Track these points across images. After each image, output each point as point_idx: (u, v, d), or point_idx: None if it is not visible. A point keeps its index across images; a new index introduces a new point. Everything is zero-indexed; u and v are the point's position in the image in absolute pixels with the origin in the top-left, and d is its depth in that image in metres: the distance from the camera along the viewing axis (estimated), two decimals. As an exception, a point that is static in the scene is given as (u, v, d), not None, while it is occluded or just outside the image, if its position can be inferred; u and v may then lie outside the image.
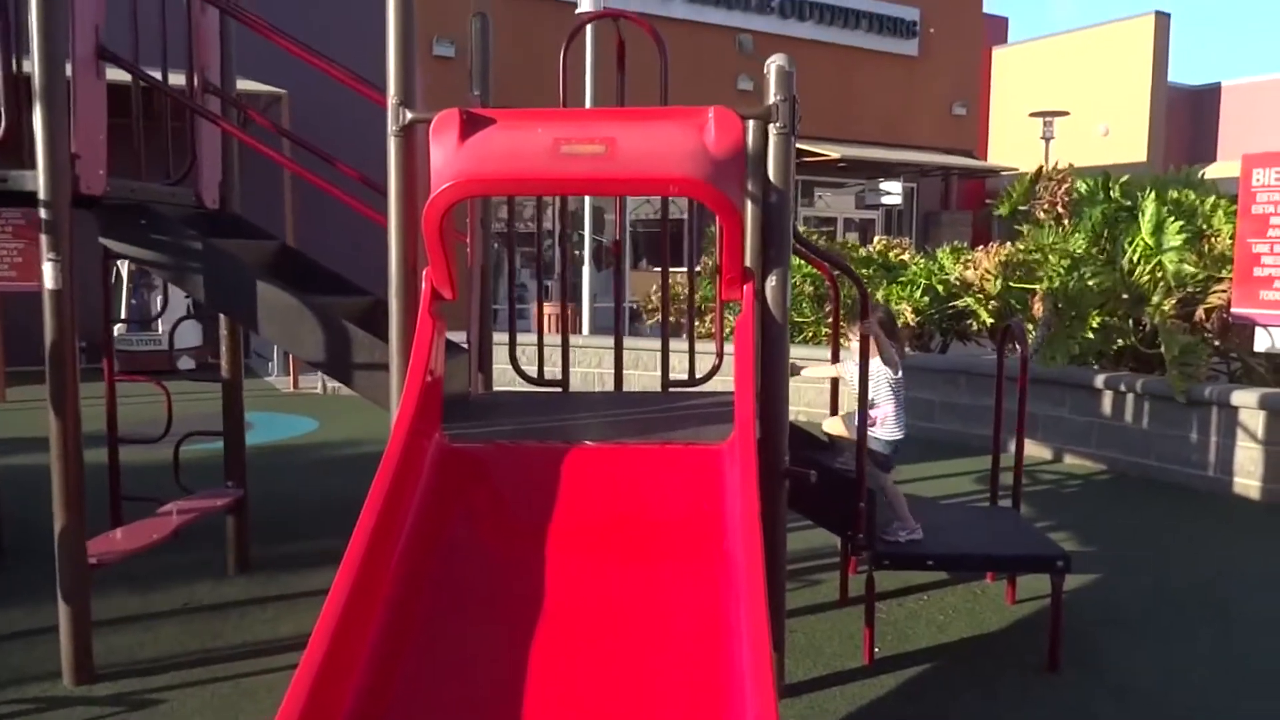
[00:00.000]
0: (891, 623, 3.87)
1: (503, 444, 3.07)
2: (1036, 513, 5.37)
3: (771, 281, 3.02)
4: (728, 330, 5.90)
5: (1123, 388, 6.55)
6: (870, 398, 3.58)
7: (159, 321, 10.78)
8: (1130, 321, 7.14)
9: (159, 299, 11.25)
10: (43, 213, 3.17)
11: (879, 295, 8.40)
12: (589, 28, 9.72)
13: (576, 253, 14.10)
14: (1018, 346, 4.03)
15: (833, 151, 15.59)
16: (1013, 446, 4.05)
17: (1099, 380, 6.68)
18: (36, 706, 3.13)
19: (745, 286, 2.97)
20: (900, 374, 3.66)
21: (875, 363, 3.60)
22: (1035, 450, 6.95)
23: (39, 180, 3.16)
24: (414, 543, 2.65)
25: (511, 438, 3.14)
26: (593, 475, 2.87)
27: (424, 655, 2.43)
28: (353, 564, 2.32)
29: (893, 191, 18.32)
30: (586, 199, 10.88)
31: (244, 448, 4.50)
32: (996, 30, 25.02)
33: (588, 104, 10.10)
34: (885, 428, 3.65)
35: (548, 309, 10.57)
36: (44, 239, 3.19)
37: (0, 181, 3.26)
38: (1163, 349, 6.39)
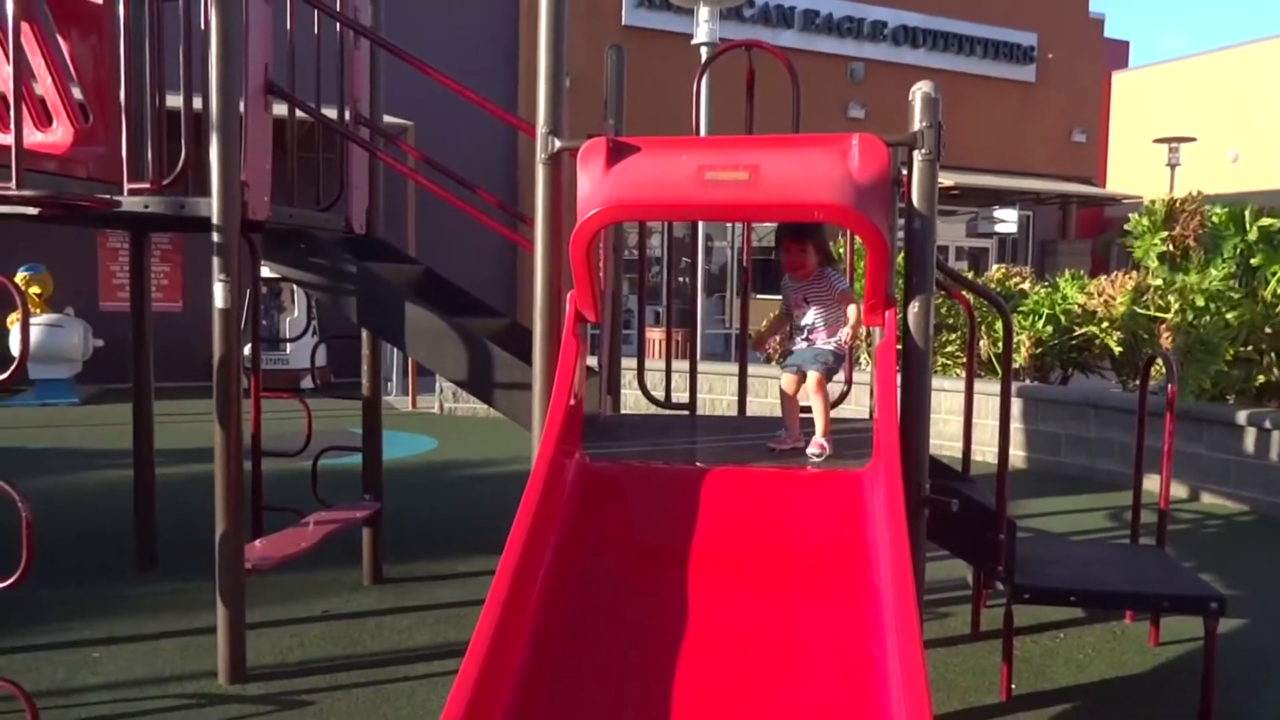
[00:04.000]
0: (1027, 659, 3.76)
1: (642, 464, 3.12)
2: (1175, 553, 5.13)
3: (914, 308, 3.00)
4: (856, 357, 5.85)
5: (1267, 424, 6.23)
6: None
7: (288, 343, 11.31)
8: (1275, 355, 6.79)
9: (288, 321, 11.80)
10: (215, 236, 3.38)
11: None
12: (704, 59, 9.85)
13: (683, 279, 14.24)
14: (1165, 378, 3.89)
15: (946, 179, 15.32)
16: (1147, 483, 3.90)
17: (1240, 416, 6.37)
18: (197, 702, 3.30)
19: (888, 313, 2.97)
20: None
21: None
22: (1171, 488, 6.64)
23: (213, 206, 3.38)
24: (557, 560, 2.70)
25: (646, 458, 3.19)
26: (730, 498, 2.89)
27: (564, 675, 2.44)
28: (505, 576, 2.37)
29: (1007, 219, 17.87)
30: (700, 229, 10.95)
31: (381, 462, 4.68)
32: (1117, 55, 24.28)
33: (703, 133, 10.21)
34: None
35: (655, 334, 10.66)
36: (215, 261, 3.40)
37: (179, 208, 3.50)
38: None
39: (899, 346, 2.97)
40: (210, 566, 3.48)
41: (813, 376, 3.02)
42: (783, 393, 3.14)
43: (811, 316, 3.08)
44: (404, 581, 4.57)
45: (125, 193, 3.55)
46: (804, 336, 3.08)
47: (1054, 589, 3.42)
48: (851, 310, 3.07)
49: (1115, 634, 4.06)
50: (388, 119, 10.83)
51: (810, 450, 3.01)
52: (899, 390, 2.95)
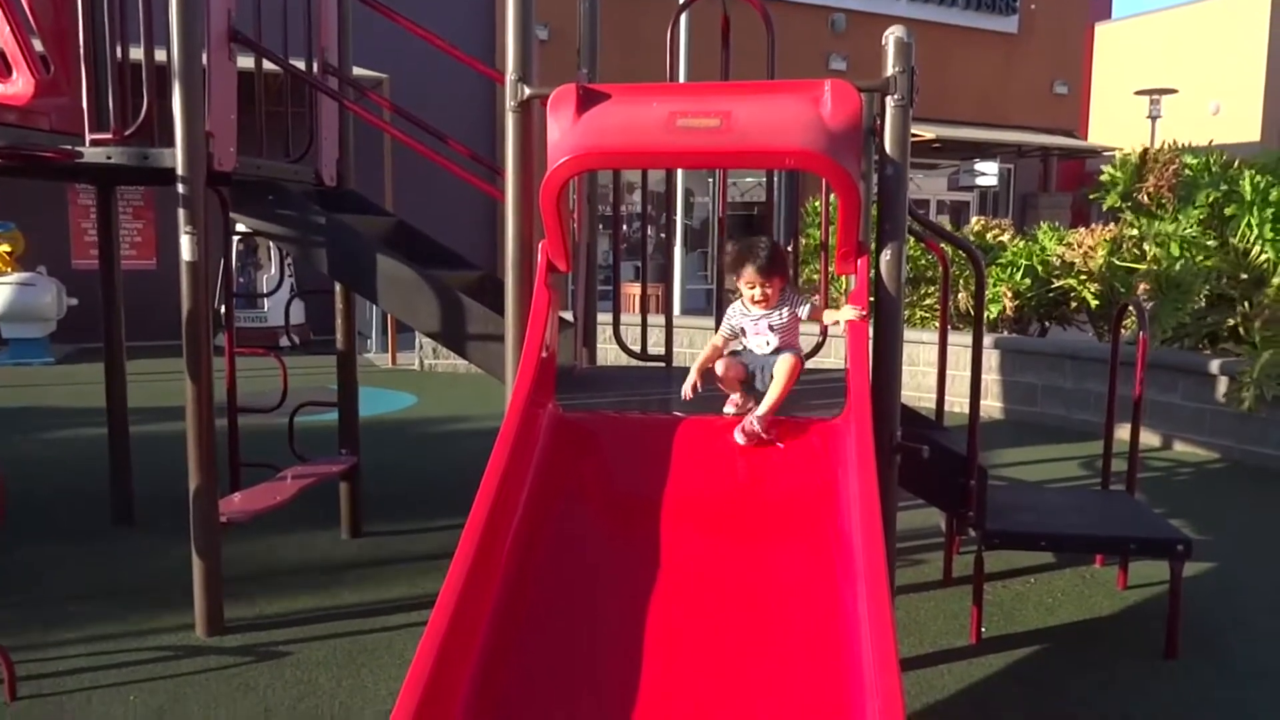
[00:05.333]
0: (997, 604, 3.82)
1: (615, 414, 3.13)
2: (1147, 500, 5.21)
3: (886, 256, 2.99)
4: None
5: (1240, 374, 6.29)
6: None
7: (265, 300, 11.21)
8: (1247, 304, 6.84)
9: (264, 278, 11.69)
10: (181, 188, 3.33)
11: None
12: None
13: (662, 235, 14.15)
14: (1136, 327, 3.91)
15: (927, 132, 15.26)
16: (1120, 432, 3.95)
17: (1214, 365, 6.43)
18: (174, 654, 3.32)
19: (860, 261, 2.96)
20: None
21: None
22: (1144, 436, 6.68)
23: (177, 157, 3.32)
24: (530, 509, 2.70)
25: (620, 409, 3.20)
26: (703, 447, 2.90)
27: (538, 622, 2.45)
28: (476, 525, 2.38)
29: (988, 172, 17.81)
30: (680, 181, 10.88)
31: (358, 417, 4.67)
32: (1100, 6, 24.08)
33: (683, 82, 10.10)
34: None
35: (631, 289, 10.62)
36: (181, 213, 3.35)
37: (143, 159, 3.44)
38: (1259, 346, 6.14)
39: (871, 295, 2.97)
40: (187, 522, 3.48)
41: (789, 357, 2.84)
42: (721, 379, 2.91)
43: (774, 342, 2.90)
44: (382, 535, 4.58)
45: (88, 144, 3.49)
46: (763, 363, 2.90)
47: (1024, 534, 3.47)
48: (828, 315, 3.00)
49: (1084, 579, 4.12)
50: (361, 72, 10.63)
51: (743, 427, 2.80)
52: (871, 338, 2.96)
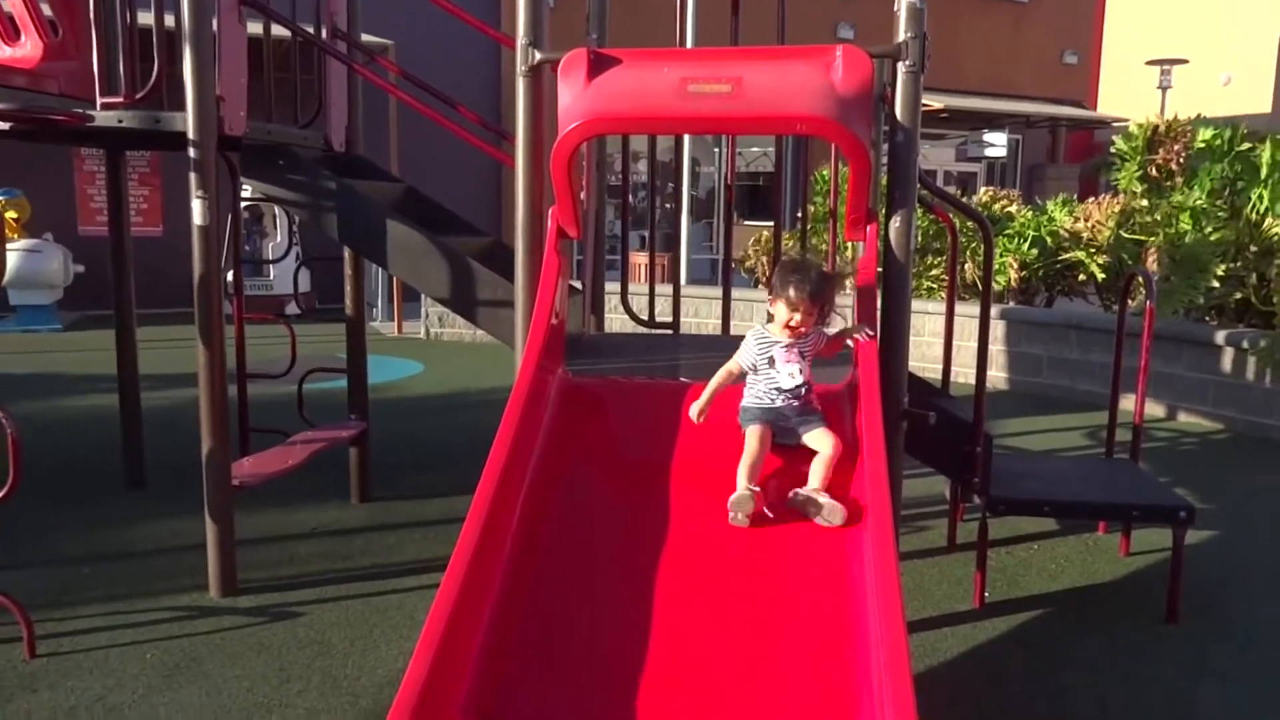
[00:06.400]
0: (1001, 570, 3.86)
1: (625, 380, 3.15)
2: (1151, 469, 5.23)
3: (895, 223, 3.00)
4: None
5: (1245, 345, 6.30)
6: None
7: (271, 268, 11.23)
8: (1255, 277, 6.84)
9: (270, 246, 11.70)
10: (192, 152, 3.33)
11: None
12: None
13: (668, 206, 14.12)
14: (1143, 297, 3.92)
15: (935, 101, 15.16)
16: (1124, 402, 3.96)
17: (1219, 336, 6.44)
18: (189, 614, 3.37)
19: (869, 227, 2.97)
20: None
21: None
22: (1148, 407, 6.72)
23: (188, 121, 3.32)
24: (540, 472, 2.73)
25: (629, 374, 3.22)
26: (712, 412, 2.93)
27: (547, 583, 2.47)
28: (489, 487, 2.39)
29: (996, 143, 17.73)
30: (686, 150, 10.84)
31: (366, 383, 4.70)
32: (1112, -26, 23.77)
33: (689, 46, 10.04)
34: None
35: (638, 259, 10.61)
36: (192, 177, 3.35)
37: (154, 122, 3.44)
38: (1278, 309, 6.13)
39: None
40: (198, 487, 3.52)
41: (828, 431, 2.61)
42: (752, 447, 2.59)
43: (805, 373, 2.66)
44: (391, 500, 4.63)
45: (98, 108, 3.49)
46: (792, 395, 2.65)
47: (1028, 500, 3.50)
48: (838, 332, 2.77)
49: (1087, 545, 4.16)
50: (367, 38, 10.59)
51: (830, 507, 2.45)
52: (880, 304, 2.97)
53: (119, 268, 4.63)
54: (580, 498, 2.76)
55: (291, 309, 11.06)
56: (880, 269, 3.00)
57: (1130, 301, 4.47)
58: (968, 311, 7.13)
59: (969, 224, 8.23)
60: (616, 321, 5.05)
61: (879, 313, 2.96)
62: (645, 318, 4.33)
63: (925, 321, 7.87)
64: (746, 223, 15.06)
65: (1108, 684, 3.00)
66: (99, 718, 2.71)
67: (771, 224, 5.39)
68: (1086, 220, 8.05)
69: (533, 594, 2.42)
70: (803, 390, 2.66)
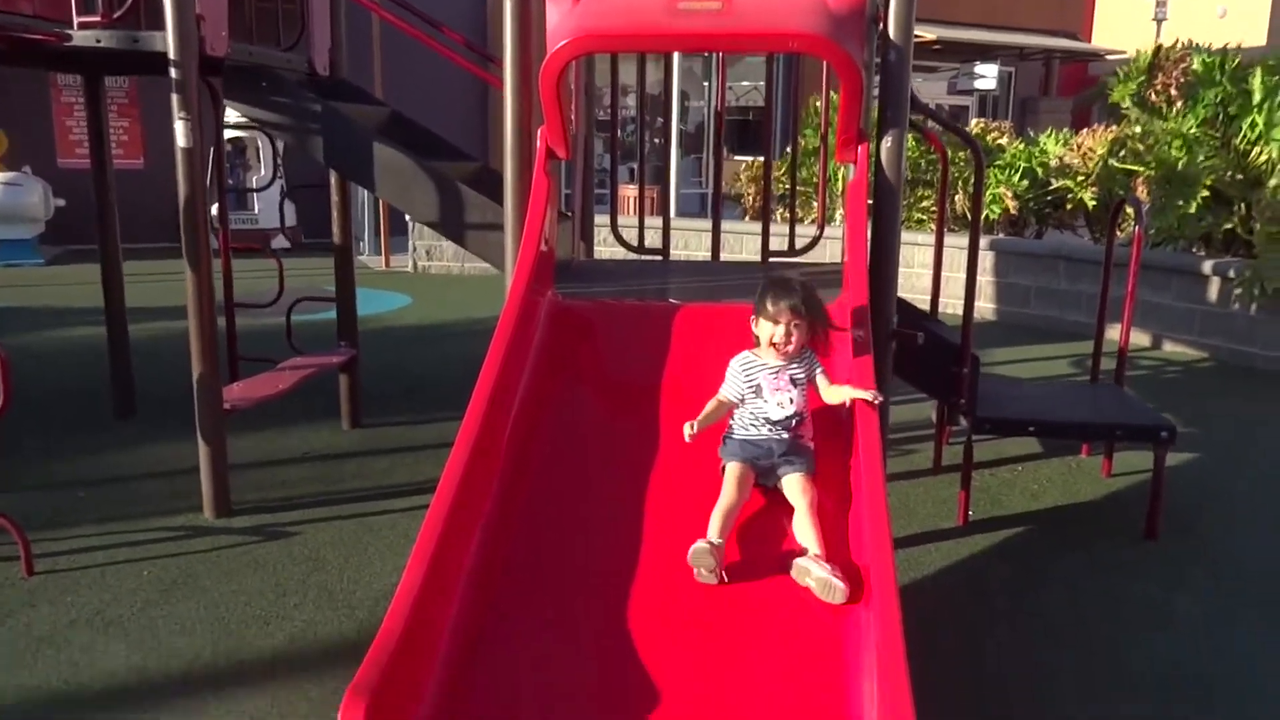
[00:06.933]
0: (984, 490, 3.92)
1: (614, 302, 3.16)
2: (1136, 396, 5.31)
3: (887, 143, 2.99)
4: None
5: (1231, 274, 6.33)
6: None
7: (256, 201, 11.09)
8: (1243, 206, 6.84)
9: (254, 179, 11.54)
10: (173, 72, 3.27)
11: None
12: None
13: (657, 141, 13.95)
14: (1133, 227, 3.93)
15: (928, 33, 14.94)
16: (1111, 331, 3.99)
17: (1206, 266, 6.47)
18: (184, 534, 3.41)
19: (860, 148, 2.96)
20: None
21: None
22: (1135, 336, 6.77)
23: (168, 40, 3.26)
24: (530, 392, 2.74)
25: (619, 297, 3.22)
26: (701, 333, 2.93)
27: (539, 500, 2.49)
28: (479, 405, 2.40)
29: (988, 75, 17.50)
30: (676, 79, 10.69)
31: (355, 312, 4.69)
32: (1109, -99, 23.29)
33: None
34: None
35: (628, 191, 10.53)
36: (174, 99, 3.30)
37: (133, 42, 3.37)
38: (1257, 244, 6.15)
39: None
40: (189, 415, 3.53)
41: (807, 481, 2.28)
42: (729, 492, 2.27)
43: (798, 403, 2.37)
44: (382, 426, 4.66)
45: (75, 28, 3.42)
46: (782, 426, 2.36)
47: (1013, 419, 3.55)
48: (845, 391, 2.36)
49: (1070, 467, 4.23)
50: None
51: (830, 576, 2.08)
52: (870, 225, 2.97)
53: (102, 200, 4.57)
54: (571, 418, 2.78)
55: (278, 242, 10.96)
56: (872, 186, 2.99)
57: (1120, 232, 4.49)
58: (957, 243, 7.13)
59: (960, 155, 8.20)
60: (605, 251, 5.03)
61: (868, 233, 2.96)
62: (635, 244, 4.32)
63: (915, 253, 7.87)
64: (736, 156, 14.93)
65: (1087, 598, 3.08)
66: (99, 630, 2.76)
67: (761, 158, 5.34)
68: (1079, 149, 8.01)
69: (523, 514, 2.44)
70: (794, 422, 2.35)
